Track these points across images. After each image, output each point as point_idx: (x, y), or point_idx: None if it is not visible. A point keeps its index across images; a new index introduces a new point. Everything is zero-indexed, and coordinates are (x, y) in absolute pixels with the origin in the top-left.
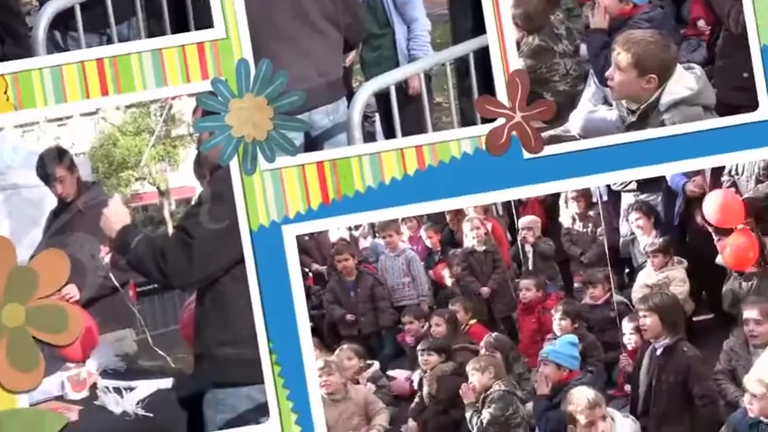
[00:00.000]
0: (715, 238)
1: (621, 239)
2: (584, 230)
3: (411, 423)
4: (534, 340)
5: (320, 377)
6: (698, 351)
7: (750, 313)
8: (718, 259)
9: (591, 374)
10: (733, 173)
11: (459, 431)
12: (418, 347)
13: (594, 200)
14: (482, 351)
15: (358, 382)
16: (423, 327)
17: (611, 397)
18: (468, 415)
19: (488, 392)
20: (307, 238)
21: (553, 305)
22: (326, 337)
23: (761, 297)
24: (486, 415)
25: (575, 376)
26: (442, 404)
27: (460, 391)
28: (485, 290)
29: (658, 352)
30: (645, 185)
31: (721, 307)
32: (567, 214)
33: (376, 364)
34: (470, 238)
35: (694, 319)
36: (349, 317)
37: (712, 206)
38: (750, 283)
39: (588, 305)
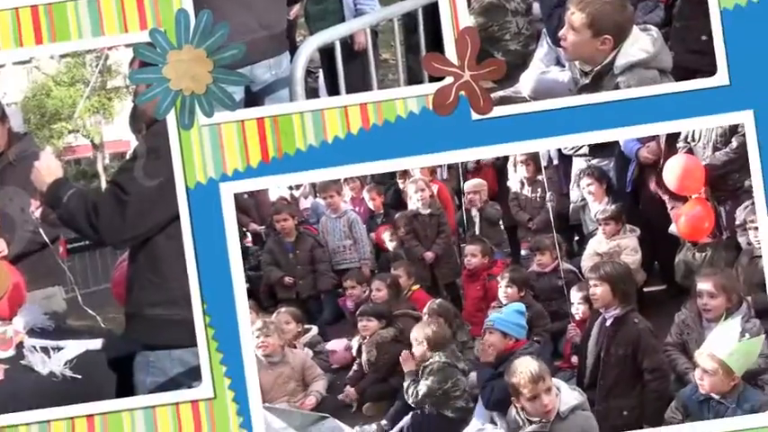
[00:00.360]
0: (669, 206)
1: (572, 205)
2: (533, 196)
3: (349, 390)
4: (479, 308)
5: (257, 338)
6: (649, 323)
7: (704, 285)
8: (672, 228)
9: (537, 345)
10: (689, 139)
11: (398, 400)
12: (358, 313)
13: (544, 164)
14: (424, 318)
15: (295, 348)
16: (364, 292)
17: (558, 368)
18: (405, 384)
19: (428, 363)
20: (245, 196)
21: (499, 272)
22: (263, 299)
23: (715, 269)
24: (422, 387)
25: (521, 346)
26: (381, 372)
27: (401, 359)
28: (428, 255)
29: (608, 323)
30: (597, 150)
31: (673, 278)
32: (516, 178)
33: (314, 329)
34: (415, 200)
35: (645, 289)
36: (287, 279)
37: (673, 172)
38: (704, 255)
39: (536, 273)
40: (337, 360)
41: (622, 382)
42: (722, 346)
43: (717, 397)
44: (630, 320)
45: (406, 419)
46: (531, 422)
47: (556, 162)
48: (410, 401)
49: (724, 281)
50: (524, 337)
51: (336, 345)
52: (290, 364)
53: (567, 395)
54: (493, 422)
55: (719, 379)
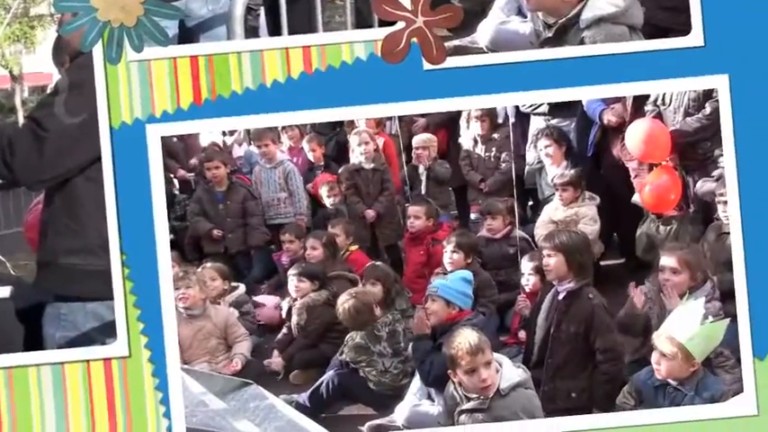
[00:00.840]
0: (633, 174)
1: (527, 168)
2: (487, 155)
3: (276, 356)
4: (420, 274)
5: (177, 289)
6: (604, 299)
7: (667, 261)
8: (635, 198)
9: (483, 316)
10: (659, 103)
11: (328, 369)
12: (289, 272)
13: (500, 121)
14: (361, 282)
15: (219, 305)
16: (302, 248)
17: (503, 344)
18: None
19: (347, 338)
20: (174, 140)
21: (445, 236)
22: (188, 252)
23: (680, 243)
24: (345, 356)
25: (464, 316)
26: (311, 337)
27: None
28: (370, 212)
29: (560, 297)
30: (557, 109)
31: (633, 252)
32: (469, 135)
33: (241, 288)
34: (358, 153)
35: (602, 262)
36: (216, 232)
37: (636, 136)
38: (668, 228)
39: (485, 239)
40: (265, 316)
41: (572, 362)
42: (682, 328)
43: (674, 383)
44: (585, 295)
45: (330, 374)
46: (468, 399)
47: (513, 120)
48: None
49: (689, 256)
50: (469, 308)
51: (265, 299)
52: (212, 320)
53: (510, 371)
54: (431, 398)
55: (678, 364)
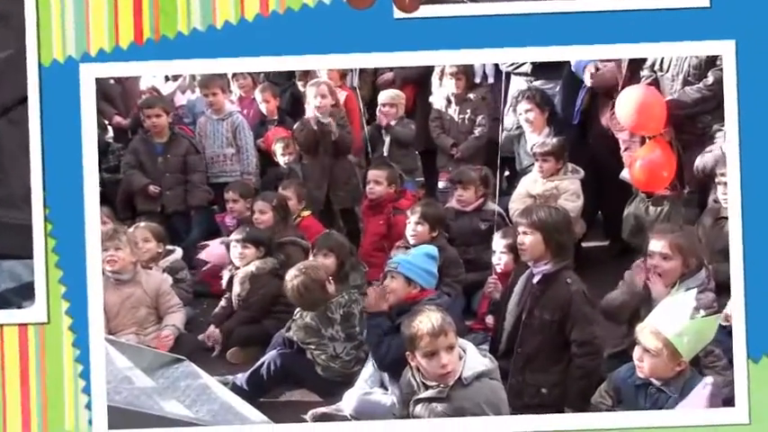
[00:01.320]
0: (622, 147)
1: (505, 134)
2: (461, 117)
3: (212, 330)
4: (379, 247)
5: (105, 250)
6: (584, 285)
7: (656, 245)
8: (624, 174)
9: (448, 297)
10: (656, 68)
11: (270, 348)
12: (232, 236)
13: (477, 80)
14: (312, 252)
15: (151, 270)
16: (248, 209)
17: (469, 329)
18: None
19: (296, 315)
20: (111, 82)
21: (408, 205)
22: (119, 209)
23: (672, 225)
24: (293, 334)
25: (426, 296)
26: (254, 310)
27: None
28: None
29: (535, 279)
30: (542, 70)
31: (619, 234)
32: (441, 94)
33: (178, 252)
34: (314, 107)
35: (584, 244)
36: (152, 188)
37: (628, 104)
38: (658, 209)
39: (454, 210)
40: (210, 255)
41: (544, 354)
42: (670, 322)
43: (657, 383)
44: (562, 280)
45: (273, 354)
46: (427, 386)
47: (491, 80)
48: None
49: (681, 240)
50: (432, 287)
51: (211, 242)
52: (143, 287)
53: (474, 359)
54: (384, 387)
55: (662, 362)
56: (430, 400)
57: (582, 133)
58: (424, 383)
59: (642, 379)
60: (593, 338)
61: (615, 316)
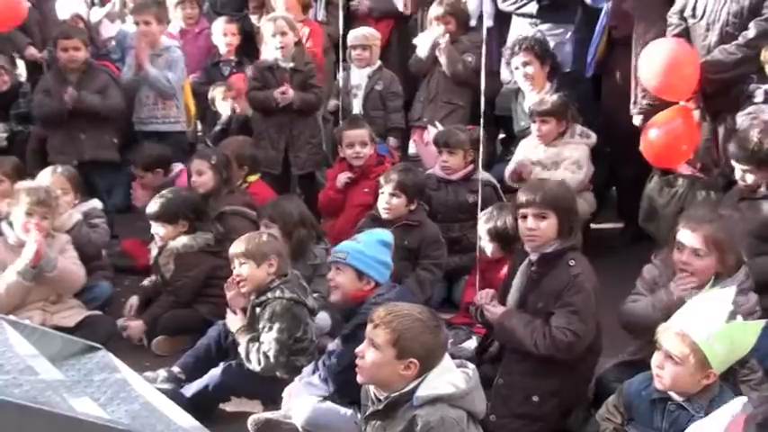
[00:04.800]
0: (638, 108)
1: (502, 89)
2: (452, 65)
3: (133, 322)
4: (358, 219)
5: (27, 214)
6: (589, 269)
7: (688, 238)
8: (636, 120)
9: (397, 288)
10: (687, 13)
11: (205, 339)
12: (147, 209)
13: (473, 23)
14: (262, 224)
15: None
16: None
17: (449, 324)
18: (241, 340)
19: (268, 299)
20: (27, 5)
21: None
22: (30, 159)
23: (707, 214)
24: (270, 345)
25: (374, 293)
26: (183, 295)
27: (226, 287)
28: (287, 93)
29: (533, 258)
30: (550, 10)
31: (636, 214)
32: (427, 37)
33: (96, 202)
34: (272, 47)
35: (594, 225)
36: (70, 91)
37: (654, 62)
38: (673, 192)
39: (437, 179)
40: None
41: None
42: (700, 324)
43: (678, 398)
44: (565, 261)
45: (215, 375)
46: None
47: (489, 23)
48: (252, 366)
49: (720, 234)
50: (386, 279)
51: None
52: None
53: (437, 379)
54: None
55: (687, 371)
56: (374, 415)
57: (595, 90)
58: (376, 396)
59: (660, 392)
60: (571, 331)
61: (636, 331)
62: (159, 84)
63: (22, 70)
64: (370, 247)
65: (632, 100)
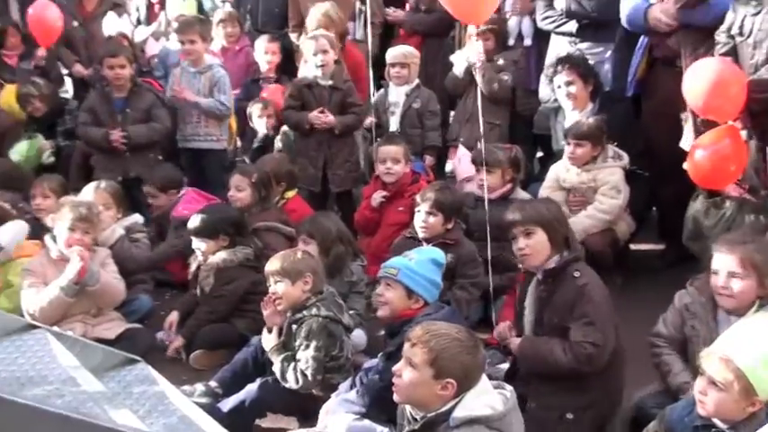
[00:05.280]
0: (686, 130)
1: (541, 108)
2: (488, 84)
3: (170, 332)
4: (394, 238)
5: (71, 230)
6: (596, 278)
7: (723, 261)
8: (684, 142)
9: (446, 309)
10: (735, 31)
11: (241, 355)
12: (189, 224)
13: (511, 42)
14: (300, 240)
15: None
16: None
17: (486, 345)
18: (275, 359)
19: (302, 317)
20: (75, 24)
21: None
22: (73, 175)
23: (740, 236)
24: (307, 363)
25: (421, 312)
26: (221, 309)
27: (262, 304)
28: (322, 117)
29: (540, 277)
30: (590, 29)
31: (679, 236)
32: (462, 55)
33: (138, 217)
34: (312, 65)
35: (633, 246)
36: (117, 133)
37: (699, 82)
38: (720, 214)
39: (474, 197)
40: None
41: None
42: (745, 350)
43: (722, 425)
44: (570, 274)
45: (252, 390)
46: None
47: (528, 42)
48: (288, 384)
49: (757, 255)
50: (434, 300)
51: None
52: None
53: (475, 399)
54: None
55: (732, 398)
56: None
57: (635, 109)
58: (413, 416)
59: (703, 419)
60: (590, 342)
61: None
62: (215, 111)
63: (69, 87)
64: (421, 266)
65: (685, 121)
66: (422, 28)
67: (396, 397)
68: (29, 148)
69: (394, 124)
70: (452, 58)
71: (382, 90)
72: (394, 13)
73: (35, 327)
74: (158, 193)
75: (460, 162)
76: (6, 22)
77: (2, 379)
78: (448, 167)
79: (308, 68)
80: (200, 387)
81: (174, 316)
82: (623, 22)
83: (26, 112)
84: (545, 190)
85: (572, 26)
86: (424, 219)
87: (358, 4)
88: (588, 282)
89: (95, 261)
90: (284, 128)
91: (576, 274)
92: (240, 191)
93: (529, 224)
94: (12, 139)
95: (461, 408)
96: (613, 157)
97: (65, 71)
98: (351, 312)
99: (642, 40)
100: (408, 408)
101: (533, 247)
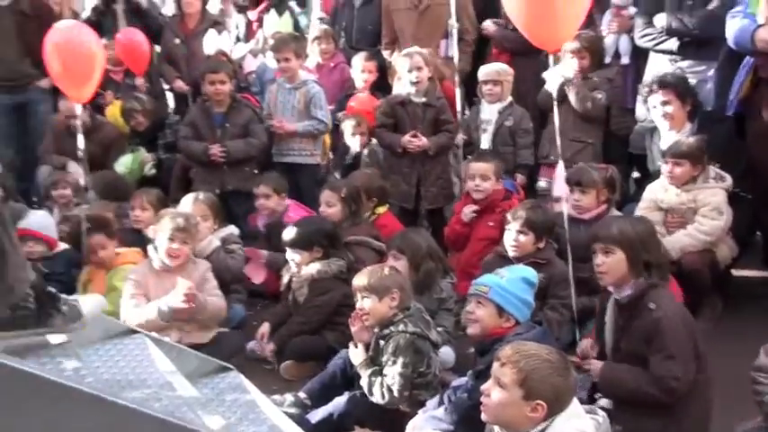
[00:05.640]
0: None
1: (637, 127)
2: (581, 102)
3: (263, 342)
4: (485, 254)
5: (170, 240)
6: (675, 311)
7: None
8: None
9: (538, 329)
10: None
11: (331, 367)
12: (284, 236)
13: (608, 60)
14: (390, 255)
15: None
16: (282, 206)
17: (577, 368)
18: (362, 374)
19: (387, 332)
20: (177, 42)
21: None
22: (174, 187)
23: None
24: (394, 379)
25: (512, 331)
26: (313, 321)
27: (349, 321)
28: (415, 141)
29: (619, 305)
30: (691, 47)
31: None
32: (556, 71)
33: (233, 229)
34: (407, 82)
35: (735, 272)
36: (216, 148)
37: None
38: None
39: (570, 217)
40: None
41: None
42: None
43: None
44: (645, 305)
45: (340, 404)
46: None
47: (626, 60)
48: (375, 399)
49: None
50: (527, 320)
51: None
52: (189, 275)
53: (565, 424)
54: None
55: None
56: None
57: (739, 130)
58: None
59: None
60: (672, 377)
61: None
62: (312, 132)
63: (170, 102)
64: (512, 284)
65: None
66: (510, 45)
67: (484, 417)
68: (132, 161)
69: (485, 142)
70: (545, 75)
71: (474, 107)
72: (488, 27)
73: (135, 331)
74: (272, 194)
75: (557, 181)
76: (111, 39)
77: (104, 381)
78: (542, 185)
79: (402, 85)
80: (289, 397)
81: (265, 327)
82: (729, 42)
83: (130, 126)
84: (641, 210)
85: (672, 44)
86: (514, 237)
87: (450, 21)
88: (664, 314)
89: (195, 275)
90: (373, 142)
91: (652, 306)
92: (330, 206)
93: (608, 242)
94: (117, 152)
95: (552, 431)
96: (715, 177)
97: (166, 86)
98: (439, 329)
99: (747, 59)
100: (497, 428)
101: (610, 266)
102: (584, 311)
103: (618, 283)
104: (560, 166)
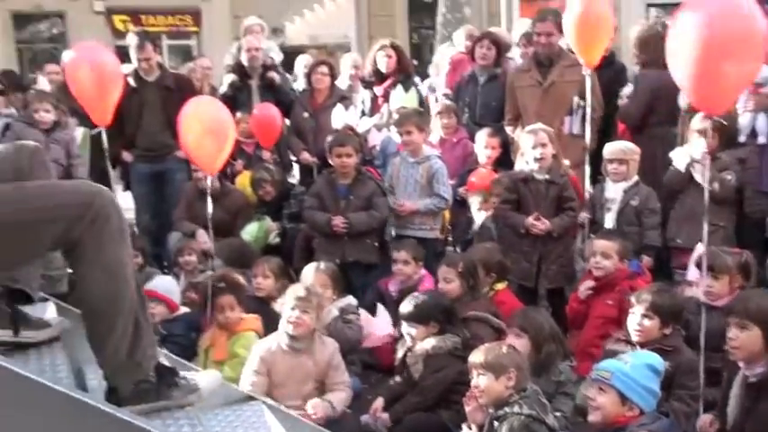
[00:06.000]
0: None
1: None
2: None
3: (379, 414)
4: (604, 334)
5: (293, 310)
6: None
7: None
8: None
9: (664, 420)
10: None
11: None
12: (401, 309)
13: (742, 138)
14: (511, 333)
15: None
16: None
17: None
18: None
19: (502, 413)
20: (305, 116)
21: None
22: (297, 257)
23: None
24: None
25: (637, 421)
26: (429, 397)
27: (464, 399)
28: (538, 225)
29: (748, 382)
30: None
31: None
32: (684, 151)
33: (351, 299)
34: (530, 158)
35: None
36: (338, 220)
37: None
38: None
39: (696, 303)
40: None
41: None
42: None
43: None
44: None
45: None
46: None
47: (762, 140)
48: None
49: None
50: (652, 409)
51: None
52: (315, 357)
53: None
54: None
55: None
56: None
57: None
58: None
59: None
60: None
61: None
62: (434, 209)
63: (296, 173)
64: (637, 371)
65: None
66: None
67: None
68: (258, 229)
69: (610, 221)
70: (673, 154)
71: (598, 185)
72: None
73: (253, 398)
74: (411, 261)
75: (691, 265)
76: (245, 112)
77: None
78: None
79: (525, 162)
80: None
81: (379, 402)
82: None
83: (257, 196)
84: None
85: None
86: (638, 321)
87: (576, 99)
88: None
89: (322, 354)
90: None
91: None
92: (448, 282)
93: (744, 317)
94: (244, 220)
95: None
96: None
97: (293, 158)
98: (557, 414)
99: None
100: None
101: (743, 342)
102: (715, 404)
103: (750, 360)
104: (698, 248)
